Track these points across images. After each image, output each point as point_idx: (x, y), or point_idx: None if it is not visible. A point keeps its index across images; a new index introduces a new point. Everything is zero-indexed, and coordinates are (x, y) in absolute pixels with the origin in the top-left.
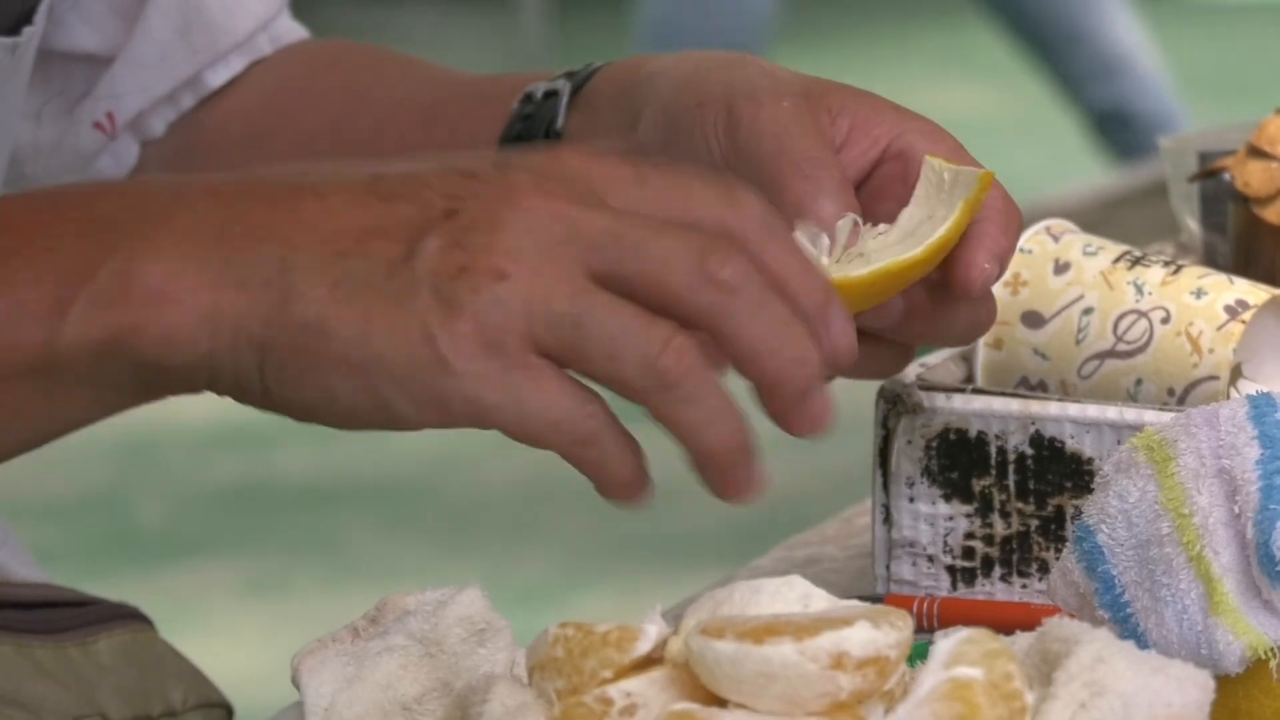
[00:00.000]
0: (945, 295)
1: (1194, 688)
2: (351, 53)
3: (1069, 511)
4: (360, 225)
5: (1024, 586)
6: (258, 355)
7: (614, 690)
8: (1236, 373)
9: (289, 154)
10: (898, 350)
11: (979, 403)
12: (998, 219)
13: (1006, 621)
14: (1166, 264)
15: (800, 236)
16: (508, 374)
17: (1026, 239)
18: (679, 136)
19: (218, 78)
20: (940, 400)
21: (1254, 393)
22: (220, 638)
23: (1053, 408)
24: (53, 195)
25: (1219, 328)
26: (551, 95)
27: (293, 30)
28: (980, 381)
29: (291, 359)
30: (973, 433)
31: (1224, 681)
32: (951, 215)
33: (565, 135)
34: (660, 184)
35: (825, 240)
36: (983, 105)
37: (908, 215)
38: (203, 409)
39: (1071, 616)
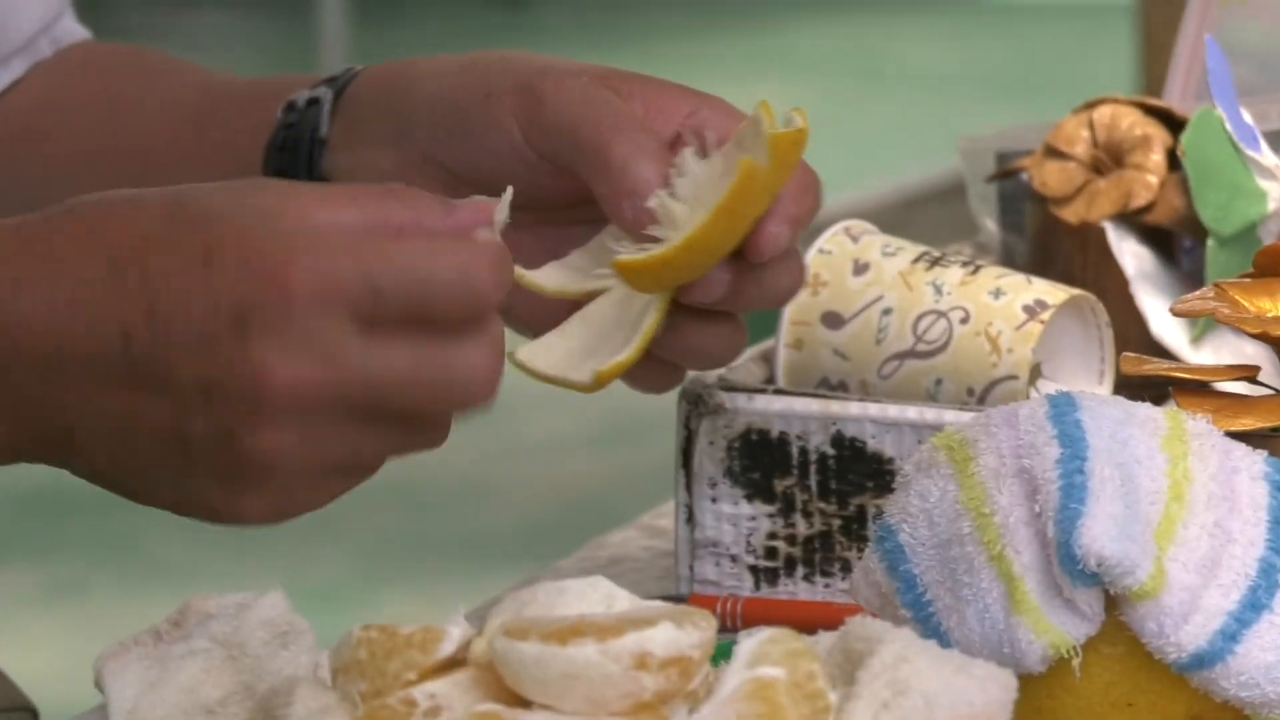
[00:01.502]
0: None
1: (996, 686)
2: (124, 56)
3: (870, 511)
4: (126, 409)
5: (827, 586)
6: (67, 470)
7: (418, 692)
8: (1036, 372)
9: (61, 156)
10: (732, 326)
11: (780, 403)
12: (793, 186)
13: (809, 621)
14: (965, 264)
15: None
16: (295, 508)
17: (825, 240)
18: (467, 131)
19: None
20: (742, 401)
21: (1053, 392)
22: (20, 641)
23: (853, 408)
24: None
25: (1018, 327)
26: (314, 103)
27: (74, 32)
28: (781, 382)
29: (99, 484)
30: (774, 433)
31: (1026, 680)
32: (732, 179)
33: (330, 143)
34: (396, 294)
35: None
36: (784, 102)
37: (711, 166)
38: None
39: (874, 616)
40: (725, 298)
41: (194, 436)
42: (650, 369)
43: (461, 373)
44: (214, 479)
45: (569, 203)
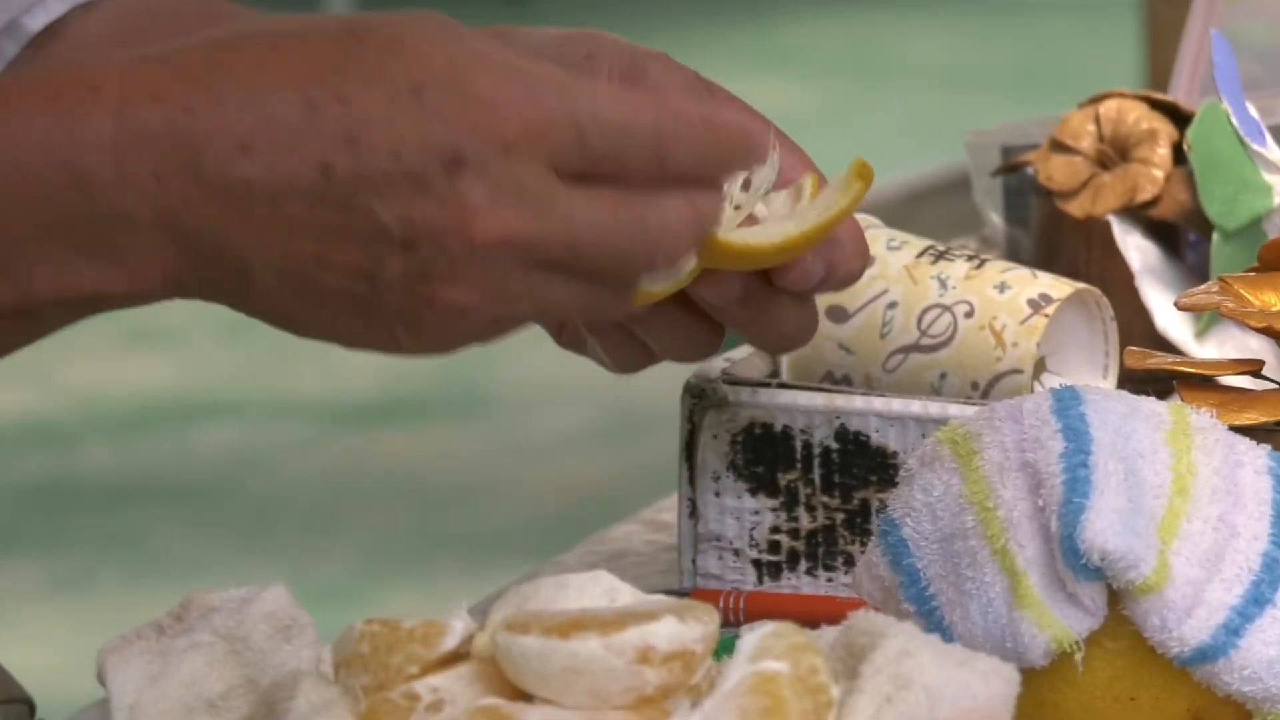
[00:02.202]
0: (775, 291)
1: (999, 680)
2: (188, 2)
3: (874, 505)
4: (317, 248)
5: (830, 580)
6: (230, 304)
7: (420, 686)
8: (1040, 366)
9: None
10: (711, 329)
11: (784, 397)
12: (840, 234)
13: (812, 615)
14: (970, 258)
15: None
16: (468, 342)
17: None
18: None
19: (36, 22)
20: (746, 394)
21: (1057, 386)
22: (24, 635)
23: (857, 402)
24: None
25: (1022, 321)
26: None
27: None
28: (785, 376)
29: (265, 321)
30: (778, 427)
31: (1029, 674)
32: (839, 199)
33: None
34: (597, 139)
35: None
36: (788, 100)
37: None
38: (3, 406)
39: (877, 610)
40: (729, 305)
41: (386, 279)
42: (624, 345)
43: (655, 230)
44: (397, 321)
45: None
